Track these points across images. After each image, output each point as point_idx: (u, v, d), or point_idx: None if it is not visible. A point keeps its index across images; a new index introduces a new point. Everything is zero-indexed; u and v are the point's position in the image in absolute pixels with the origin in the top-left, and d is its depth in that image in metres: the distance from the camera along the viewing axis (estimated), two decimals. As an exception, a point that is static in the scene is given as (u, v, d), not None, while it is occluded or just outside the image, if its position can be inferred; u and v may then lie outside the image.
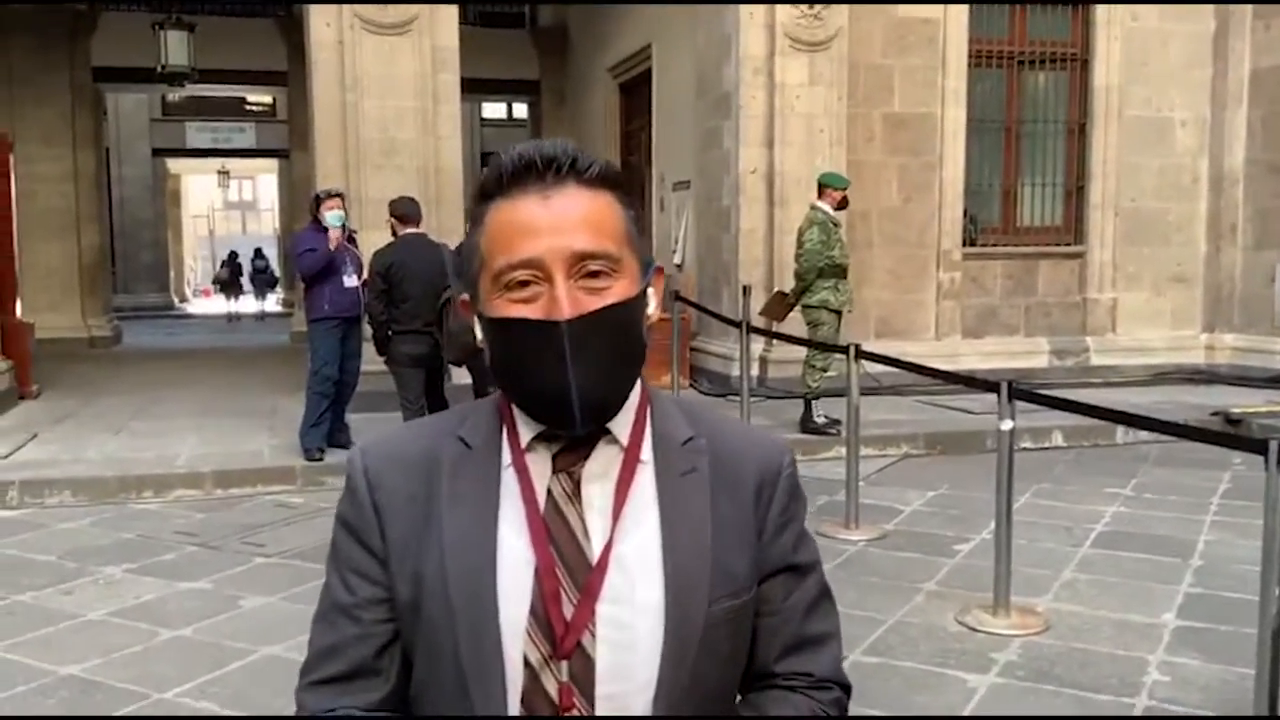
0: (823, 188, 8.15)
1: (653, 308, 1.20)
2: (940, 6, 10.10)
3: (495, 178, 1.14)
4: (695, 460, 1.20)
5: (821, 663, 1.26)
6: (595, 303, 1.11)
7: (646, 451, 1.19)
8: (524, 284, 1.11)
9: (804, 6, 9.44)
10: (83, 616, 4.70)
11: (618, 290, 1.12)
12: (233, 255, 26.80)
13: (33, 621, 4.62)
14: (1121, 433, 8.13)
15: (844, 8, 9.59)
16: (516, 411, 1.19)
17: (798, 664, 1.25)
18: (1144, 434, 7.76)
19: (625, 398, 1.18)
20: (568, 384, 1.09)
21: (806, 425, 8.02)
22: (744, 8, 9.49)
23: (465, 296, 1.20)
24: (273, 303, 26.00)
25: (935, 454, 7.96)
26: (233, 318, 23.77)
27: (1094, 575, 5.20)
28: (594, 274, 1.11)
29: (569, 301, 1.09)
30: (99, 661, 4.18)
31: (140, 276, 26.54)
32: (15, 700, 3.83)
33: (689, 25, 10.77)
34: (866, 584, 5.05)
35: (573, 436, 1.16)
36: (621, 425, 1.18)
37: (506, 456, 1.18)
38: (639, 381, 1.21)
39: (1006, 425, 4.52)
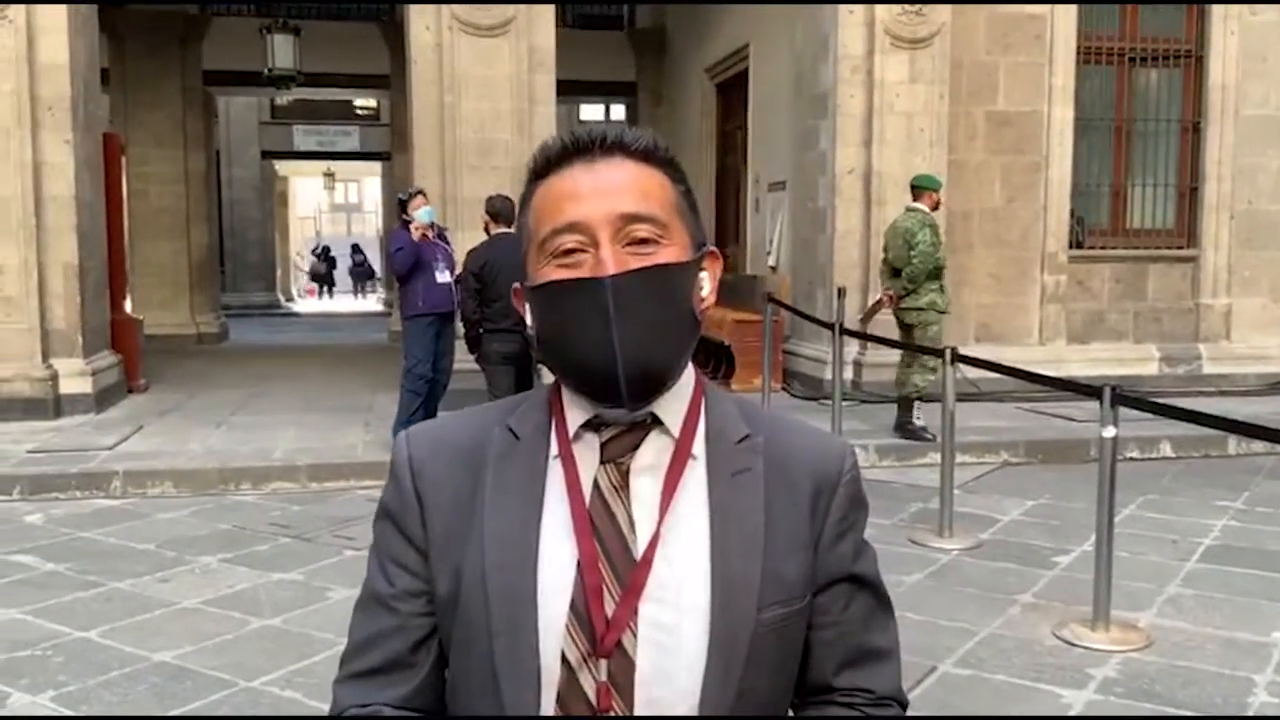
0: (919, 190, 7.93)
1: (707, 289, 1.15)
2: (1048, 3, 9.83)
3: (543, 159, 1.13)
4: (750, 460, 1.14)
5: (882, 679, 1.20)
6: (640, 263, 1.07)
7: (699, 446, 1.14)
8: (570, 252, 1.08)
9: (905, 4, 9.26)
10: (177, 604, 4.80)
11: (665, 257, 1.09)
12: (325, 249, 27.28)
13: (129, 608, 4.73)
14: (1234, 444, 7.80)
15: (946, 4, 9.37)
16: (566, 399, 1.15)
17: (858, 679, 1.18)
18: (1258, 445, 7.48)
19: (673, 373, 1.13)
20: (611, 344, 1.06)
21: (905, 428, 7.86)
22: (843, 5, 9.35)
23: (517, 285, 1.17)
24: (372, 301, 26.50)
25: (1036, 462, 7.73)
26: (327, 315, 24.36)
27: (1200, 591, 4.98)
28: (641, 240, 1.08)
29: (614, 261, 1.06)
30: (190, 649, 4.25)
31: (248, 275, 27.23)
32: (109, 685, 3.92)
33: (787, 24, 10.66)
34: (959, 594, 4.90)
35: (619, 422, 1.12)
36: (673, 416, 1.13)
37: (555, 447, 1.14)
38: (693, 374, 1.17)
39: (1109, 432, 4.35)
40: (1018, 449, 7.84)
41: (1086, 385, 4.87)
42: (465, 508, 1.13)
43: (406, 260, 7.31)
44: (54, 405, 8.48)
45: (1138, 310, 10.37)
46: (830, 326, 8.07)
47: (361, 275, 26.81)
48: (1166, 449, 7.84)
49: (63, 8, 8.46)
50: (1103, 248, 10.41)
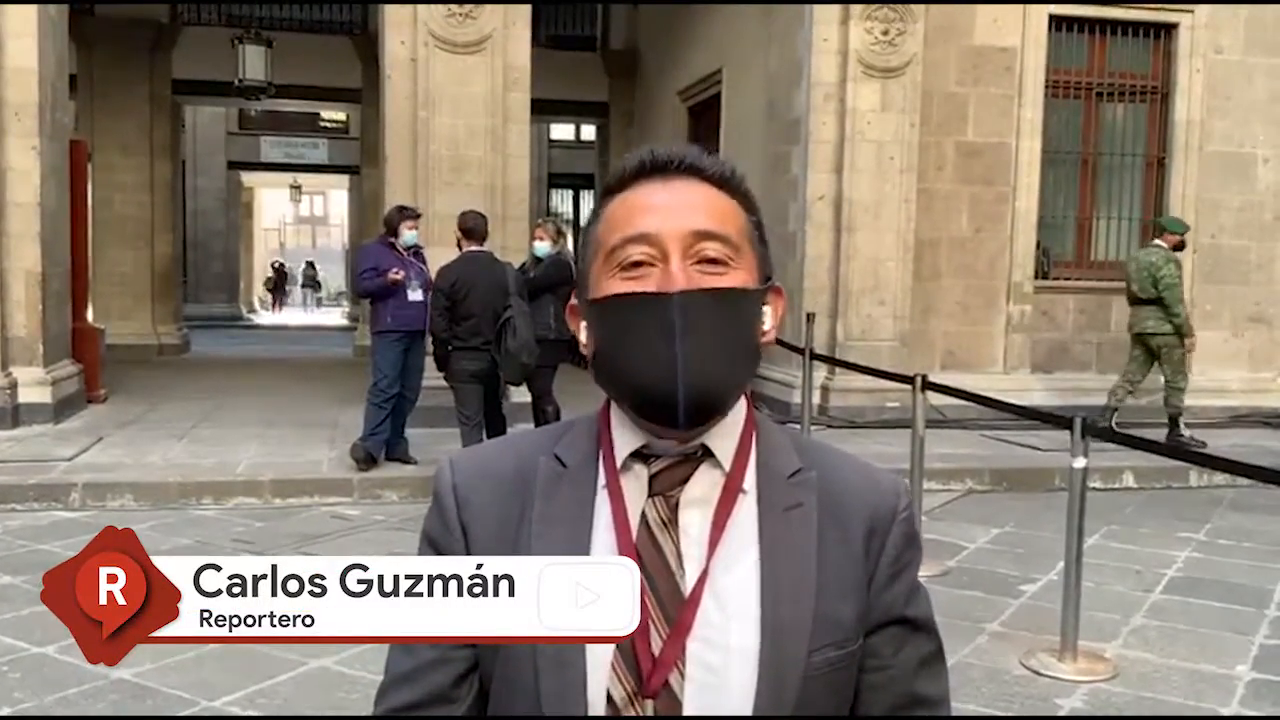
0: (1162, 230, 8.95)
1: (769, 324, 1.14)
2: (1018, 36, 9.95)
3: (619, 175, 1.13)
4: (802, 495, 1.12)
5: None
6: (710, 282, 1.06)
7: (749, 481, 1.11)
8: (637, 264, 1.07)
9: (879, 34, 9.34)
10: (137, 620, 4.70)
11: (735, 280, 1.08)
12: (280, 265, 27.47)
13: (88, 623, 4.64)
14: (1196, 475, 7.88)
15: (919, 35, 9.47)
16: (615, 425, 1.13)
17: None
18: (1219, 477, 7.57)
19: (731, 399, 1.11)
20: (673, 362, 1.03)
21: (1175, 441, 8.73)
22: (817, 35, 9.42)
23: (573, 303, 1.16)
24: (332, 315, 26.48)
25: (1001, 490, 7.77)
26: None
27: (1165, 622, 5.02)
28: (712, 259, 1.07)
29: (683, 277, 1.05)
30: (150, 667, 4.17)
31: (211, 286, 26.97)
32: (66, 702, 3.85)
33: (760, 50, 10.72)
34: (927, 621, 4.90)
35: (669, 454, 1.09)
36: (725, 448, 1.11)
37: (603, 477, 1.11)
38: (745, 405, 1.14)
39: (1079, 463, 4.38)
40: (983, 476, 7.89)
41: (1057, 415, 4.91)
42: (510, 538, 1.10)
43: (373, 288, 7.38)
44: (12, 414, 8.32)
45: (1101, 341, 10.47)
46: (800, 351, 8.10)
47: (310, 289, 27.08)
48: (1129, 479, 7.92)
49: (32, 10, 8.34)
50: (1068, 279, 10.51)
